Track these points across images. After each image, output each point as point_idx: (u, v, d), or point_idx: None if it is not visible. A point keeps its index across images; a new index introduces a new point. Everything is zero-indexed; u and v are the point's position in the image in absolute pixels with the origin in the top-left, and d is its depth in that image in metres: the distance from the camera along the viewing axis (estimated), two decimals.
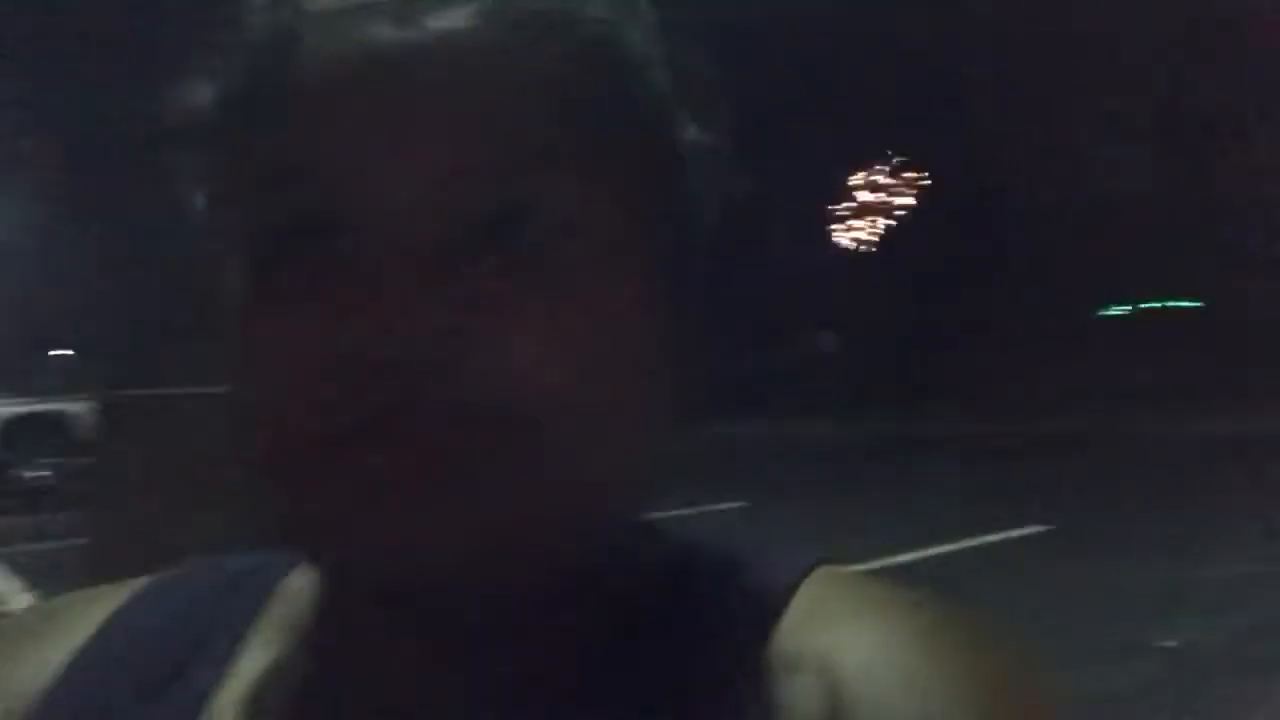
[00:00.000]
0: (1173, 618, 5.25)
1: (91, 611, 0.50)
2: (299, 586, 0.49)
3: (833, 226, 29.33)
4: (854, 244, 29.24)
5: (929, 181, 27.07)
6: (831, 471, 12.03)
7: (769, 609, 0.43)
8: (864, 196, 28.99)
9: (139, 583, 0.52)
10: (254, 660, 0.47)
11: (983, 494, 9.67)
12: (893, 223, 28.24)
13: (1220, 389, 16.06)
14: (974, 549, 7.21)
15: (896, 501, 9.39)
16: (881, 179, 28.56)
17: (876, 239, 28.58)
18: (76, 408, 12.57)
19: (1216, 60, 21.18)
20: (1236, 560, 6.32)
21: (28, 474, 13.36)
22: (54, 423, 13.50)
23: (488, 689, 0.43)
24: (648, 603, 0.45)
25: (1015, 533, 7.68)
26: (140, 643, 0.48)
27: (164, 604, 0.50)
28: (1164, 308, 22.95)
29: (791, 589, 0.43)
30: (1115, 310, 24.39)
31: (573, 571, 0.41)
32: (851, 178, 28.78)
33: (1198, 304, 22.11)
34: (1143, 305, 23.70)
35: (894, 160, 27.98)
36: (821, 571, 0.45)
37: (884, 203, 28.56)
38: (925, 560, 6.64)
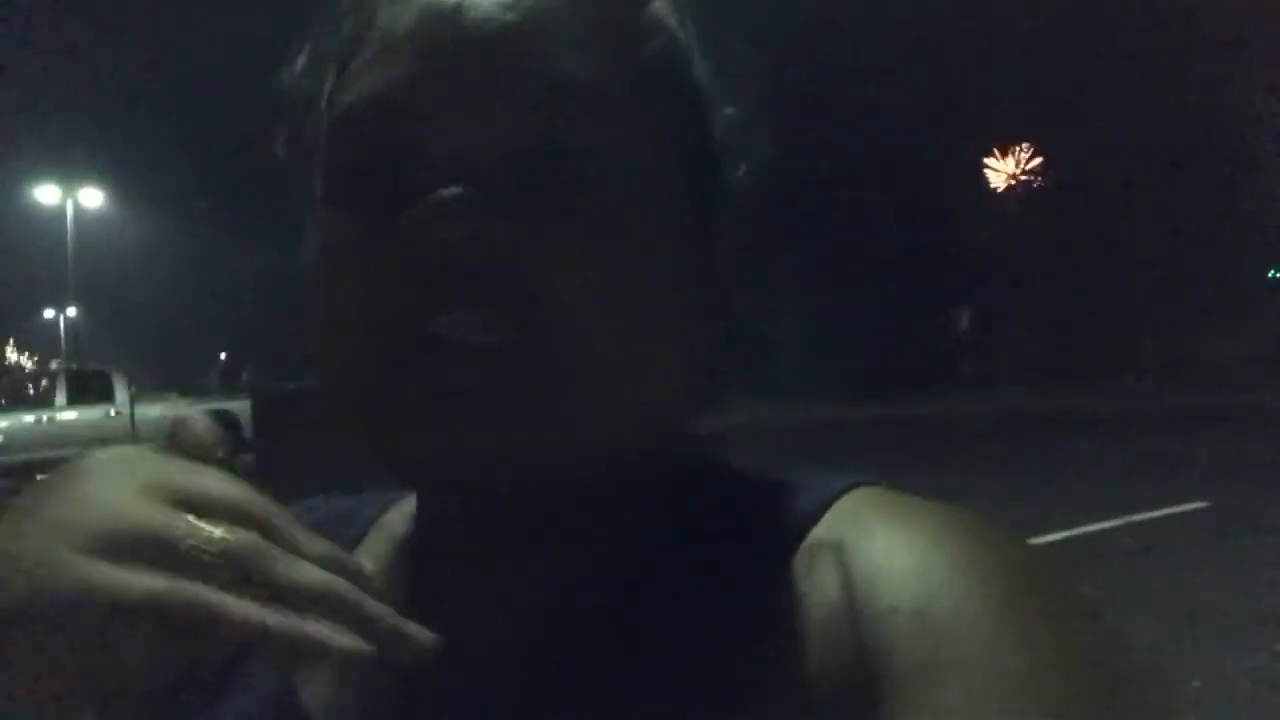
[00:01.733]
0: None
1: None
2: (395, 518, 0.56)
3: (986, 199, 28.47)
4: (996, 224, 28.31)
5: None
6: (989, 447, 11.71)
7: (805, 514, 0.46)
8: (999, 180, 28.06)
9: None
10: None
11: (1139, 471, 9.24)
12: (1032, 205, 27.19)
13: None
14: (1133, 525, 6.91)
15: (1048, 481, 9.06)
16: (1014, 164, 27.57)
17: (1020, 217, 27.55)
18: (238, 405, 13.30)
19: None
20: None
21: None
22: (221, 420, 14.30)
23: (554, 577, 0.48)
24: (700, 509, 0.49)
25: (1173, 509, 7.31)
26: None
27: (303, 518, 0.57)
28: None
29: (828, 501, 0.47)
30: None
31: (618, 477, 0.46)
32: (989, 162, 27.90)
33: None
34: None
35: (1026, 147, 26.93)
36: (860, 490, 0.48)
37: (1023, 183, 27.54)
38: (1081, 538, 6.40)
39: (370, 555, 0.54)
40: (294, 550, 0.38)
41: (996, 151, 28.26)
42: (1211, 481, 8.20)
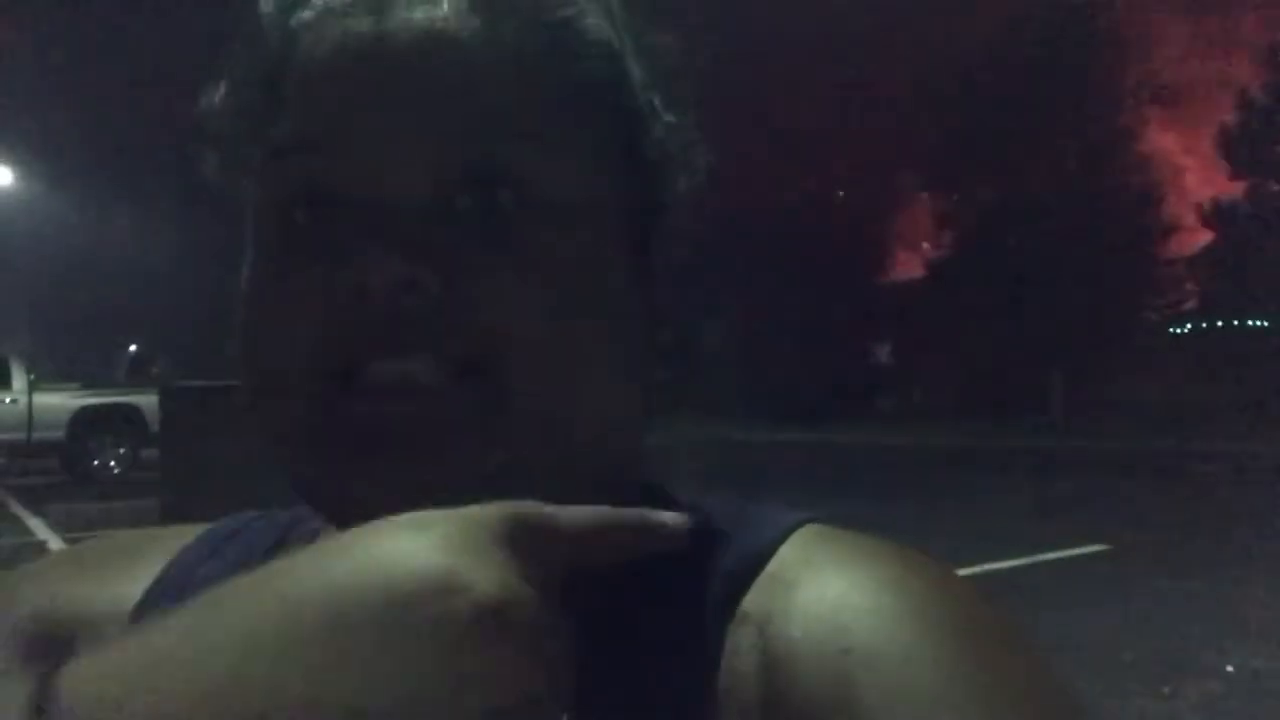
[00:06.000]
0: (1237, 641, 5.11)
1: (169, 544, 0.56)
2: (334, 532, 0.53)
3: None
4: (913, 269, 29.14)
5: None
6: (892, 481, 11.92)
7: (759, 554, 0.45)
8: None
9: (204, 527, 0.57)
10: None
11: (1044, 510, 9.50)
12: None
13: None
14: (1036, 565, 7.08)
15: (959, 515, 9.26)
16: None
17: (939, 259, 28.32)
18: (145, 400, 12.92)
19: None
20: None
21: (97, 462, 13.76)
22: (125, 414, 13.88)
23: None
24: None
25: (1074, 551, 7.53)
26: (202, 580, 0.52)
27: (223, 547, 0.55)
28: (1233, 326, 22.37)
29: (780, 539, 0.46)
30: (1182, 329, 23.87)
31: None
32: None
33: (1265, 323, 21.51)
34: (1211, 324, 23.15)
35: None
36: (808, 528, 0.47)
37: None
38: (986, 575, 6.54)
39: None
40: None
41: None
42: (1112, 524, 8.47)
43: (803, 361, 25.16)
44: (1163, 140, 26.67)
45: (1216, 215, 24.53)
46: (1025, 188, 24.44)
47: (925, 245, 28.80)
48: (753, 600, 0.44)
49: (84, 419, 13.79)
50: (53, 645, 0.49)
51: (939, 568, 0.45)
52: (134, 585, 0.53)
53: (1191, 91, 27.01)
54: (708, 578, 0.45)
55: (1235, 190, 24.35)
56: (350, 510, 0.42)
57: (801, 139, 25.79)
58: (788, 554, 0.45)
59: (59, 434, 13.66)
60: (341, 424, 0.41)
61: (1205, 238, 24.90)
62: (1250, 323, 22.52)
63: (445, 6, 0.43)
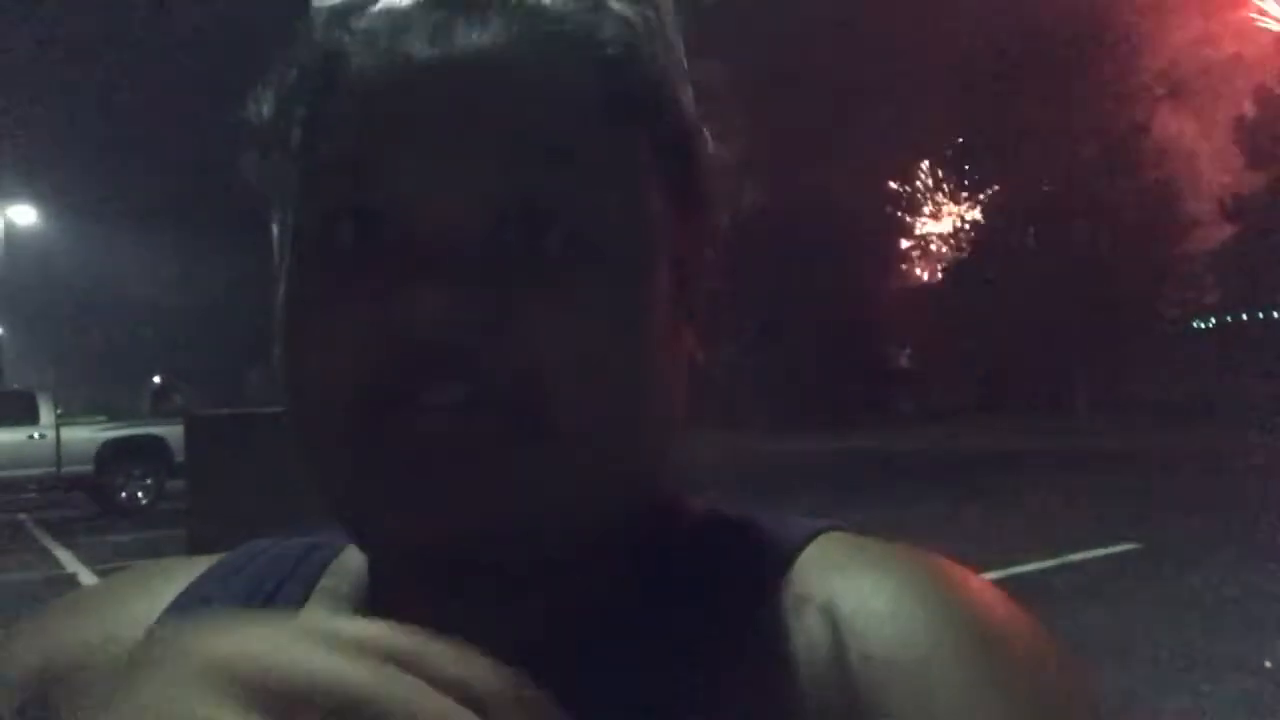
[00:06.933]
0: (1269, 638, 5.05)
1: (178, 577, 0.55)
2: (348, 561, 0.53)
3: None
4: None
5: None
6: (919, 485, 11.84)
7: (781, 561, 0.46)
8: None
9: (215, 558, 0.57)
10: None
11: (1071, 510, 9.42)
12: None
13: None
14: (1065, 566, 7.02)
15: (984, 518, 9.19)
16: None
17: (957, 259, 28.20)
18: (172, 431, 13.00)
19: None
20: None
21: (124, 494, 13.85)
22: (150, 445, 13.97)
23: (525, 633, 0.46)
24: (674, 558, 0.48)
25: (1104, 551, 7.46)
26: (213, 610, 0.52)
27: (234, 578, 0.55)
28: (1256, 318, 22.13)
29: (801, 546, 0.47)
30: (1206, 323, 23.66)
31: (586, 543, 0.45)
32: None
33: None
34: (1235, 317, 22.91)
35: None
36: (832, 534, 0.48)
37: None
38: (1012, 578, 6.48)
39: (327, 608, 0.52)
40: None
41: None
42: (1142, 522, 8.38)
43: (822, 368, 25.08)
44: (1180, 133, 26.47)
45: (1235, 208, 24.32)
46: (1039, 186, 24.33)
47: (941, 248, 28.69)
48: (769, 605, 0.44)
49: (111, 451, 13.89)
50: (50, 699, 0.48)
51: (961, 573, 0.45)
52: (139, 621, 0.52)
53: (1207, 83, 26.79)
54: (729, 585, 0.46)
55: (1255, 182, 24.14)
56: (389, 537, 0.42)
57: (806, 138, 25.69)
58: (809, 561, 0.46)
59: (88, 467, 13.77)
60: (382, 451, 0.41)
61: (1225, 231, 24.68)
62: (1273, 314, 22.27)
63: (499, 33, 0.43)
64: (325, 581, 0.54)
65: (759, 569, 0.46)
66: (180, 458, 11.32)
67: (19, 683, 0.50)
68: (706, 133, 0.48)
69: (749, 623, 0.44)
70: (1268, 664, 4.70)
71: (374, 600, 0.51)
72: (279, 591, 0.53)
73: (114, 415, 15.28)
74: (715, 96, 0.49)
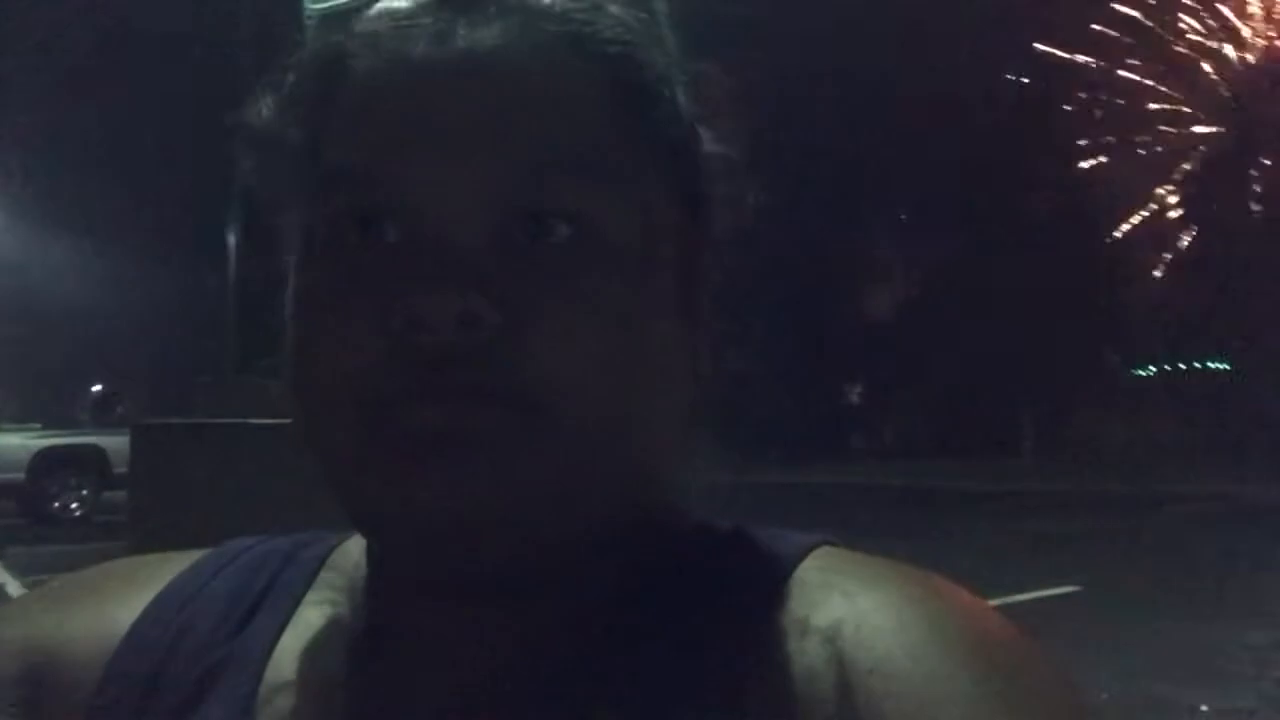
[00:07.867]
0: (1208, 681, 5.14)
1: (164, 571, 0.54)
2: (348, 554, 0.53)
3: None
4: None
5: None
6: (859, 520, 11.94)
7: (777, 579, 0.46)
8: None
9: (200, 552, 0.56)
10: (310, 619, 0.51)
11: (1016, 551, 9.54)
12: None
13: (1255, 451, 15.84)
14: (1008, 606, 7.10)
15: (930, 556, 9.27)
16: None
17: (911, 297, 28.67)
18: (111, 441, 12.72)
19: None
20: (1271, 625, 6.18)
21: (57, 504, 13.51)
22: (90, 455, 13.67)
23: (522, 635, 0.46)
24: (672, 565, 0.48)
25: (1046, 592, 7.55)
26: (201, 604, 0.52)
27: (227, 569, 0.54)
28: (1195, 369, 22.78)
29: (796, 562, 0.46)
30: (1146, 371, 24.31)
31: (584, 541, 0.45)
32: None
33: (1226, 366, 21.96)
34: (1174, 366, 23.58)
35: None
36: (825, 549, 0.48)
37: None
38: None
39: (317, 602, 0.52)
40: None
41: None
42: (1083, 565, 8.51)
43: (775, 401, 25.27)
44: (1130, 181, 27.24)
45: (1182, 260, 25.05)
46: (993, 230, 24.87)
47: (894, 285, 29.16)
48: (769, 622, 0.44)
49: (44, 460, 13.55)
50: (32, 693, 0.48)
51: (958, 589, 0.45)
52: (123, 614, 0.51)
53: (1153, 131, 27.67)
54: (724, 598, 0.46)
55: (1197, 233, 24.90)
56: (400, 533, 0.43)
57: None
58: (807, 577, 0.46)
59: (19, 475, 13.41)
60: (388, 447, 0.41)
61: (1168, 283, 25.40)
62: (1211, 365, 22.91)
63: (500, 35, 0.43)
64: (325, 574, 0.54)
65: (758, 585, 0.46)
66: (119, 468, 11.08)
67: (1, 675, 0.49)
68: (708, 134, 0.48)
69: (749, 640, 0.44)
70: (1204, 707, 4.78)
71: (373, 592, 0.51)
72: (276, 582, 0.53)
73: (50, 423, 14.87)
74: (713, 98, 0.49)
